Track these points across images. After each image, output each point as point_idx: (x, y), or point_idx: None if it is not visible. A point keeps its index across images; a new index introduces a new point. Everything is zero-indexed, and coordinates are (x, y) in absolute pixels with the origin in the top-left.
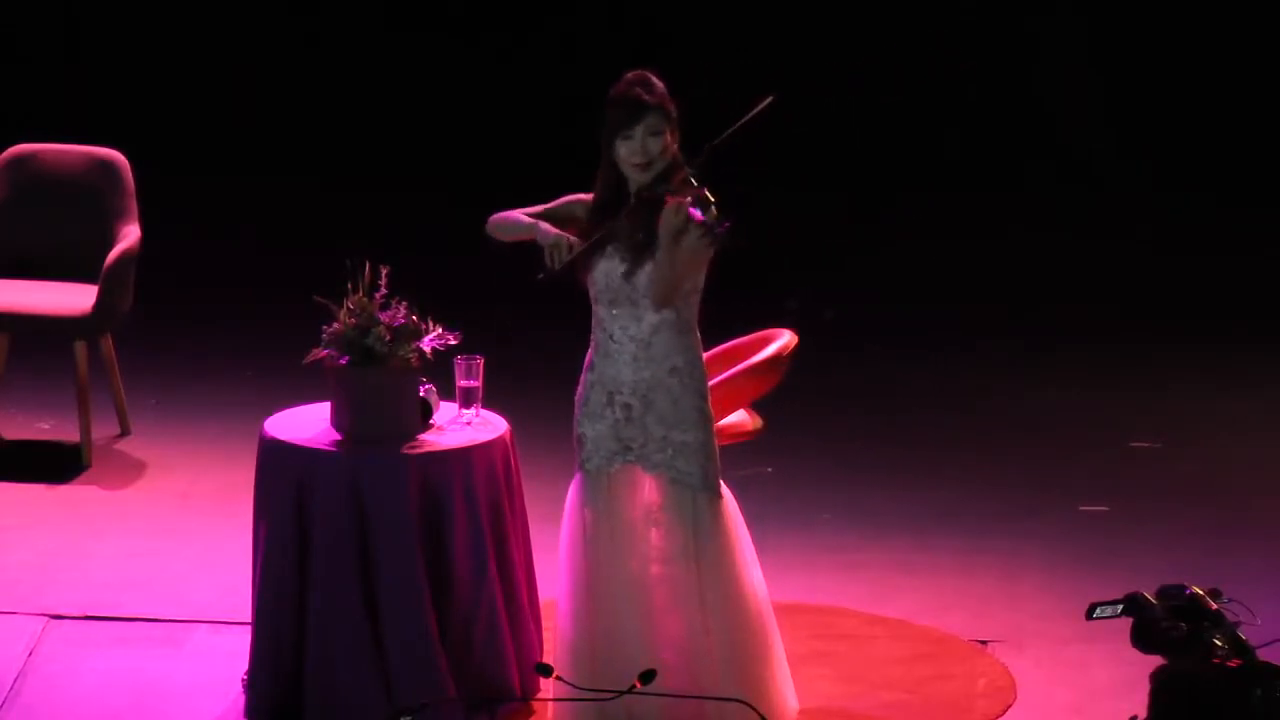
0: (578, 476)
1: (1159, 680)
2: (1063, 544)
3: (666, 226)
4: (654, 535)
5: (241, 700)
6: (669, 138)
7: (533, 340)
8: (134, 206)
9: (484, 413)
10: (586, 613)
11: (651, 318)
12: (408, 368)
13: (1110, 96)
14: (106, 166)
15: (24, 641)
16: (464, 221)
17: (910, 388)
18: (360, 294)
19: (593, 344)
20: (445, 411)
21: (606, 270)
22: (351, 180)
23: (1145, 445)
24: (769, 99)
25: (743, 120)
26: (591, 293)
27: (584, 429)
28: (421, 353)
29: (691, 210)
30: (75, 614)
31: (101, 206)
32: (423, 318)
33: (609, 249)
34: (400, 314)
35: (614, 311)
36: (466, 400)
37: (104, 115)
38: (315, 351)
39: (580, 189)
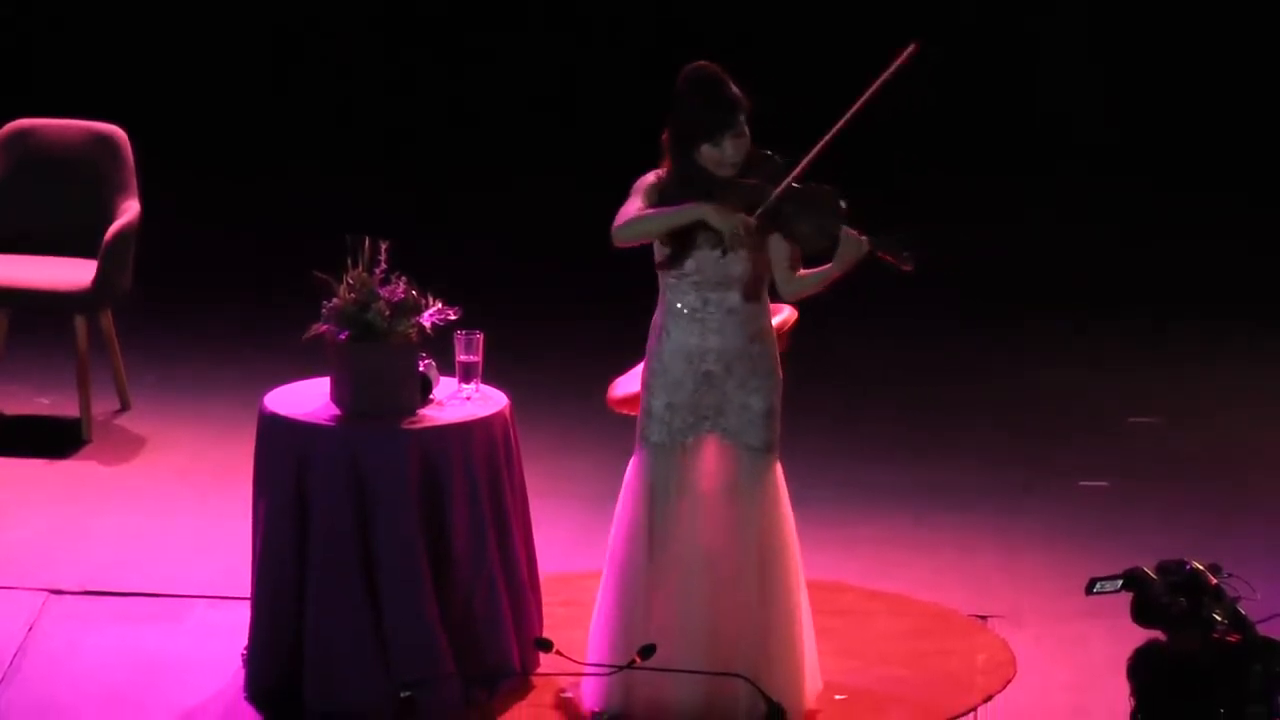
0: (641, 452)
1: (1137, 663)
2: (1062, 519)
3: (847, 256)
4: (725, 505)
5: (241, 675)
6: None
7: (535, 315)
8: (134, 182)
9: (484, 388)
10: (647, 591)
11: (741, 291)
12: (407, 343)
13: (1108, 77)
14: (106, 142)
15: (24, 617)
16: (464, 199)
17: (910, 364)
18: (360, 269)
19: (668, 315)
20: (445, 386)
21: (700, 259)
22: (352, 157)
23: (1144, 421)
24: (911, 48)
25: (888, 72)
26: (672, 273)
27: (656, 400)
28: (421, 328)
29: (871, 245)
30: (75, 589)
31: (101, 182)
32: (422, 293)
33: (699, 238)
34: (400, 289)
35: (705, 292)
36: (466, 375)
37: (104, 90)
38: (315, 327)
39: (577, 166)
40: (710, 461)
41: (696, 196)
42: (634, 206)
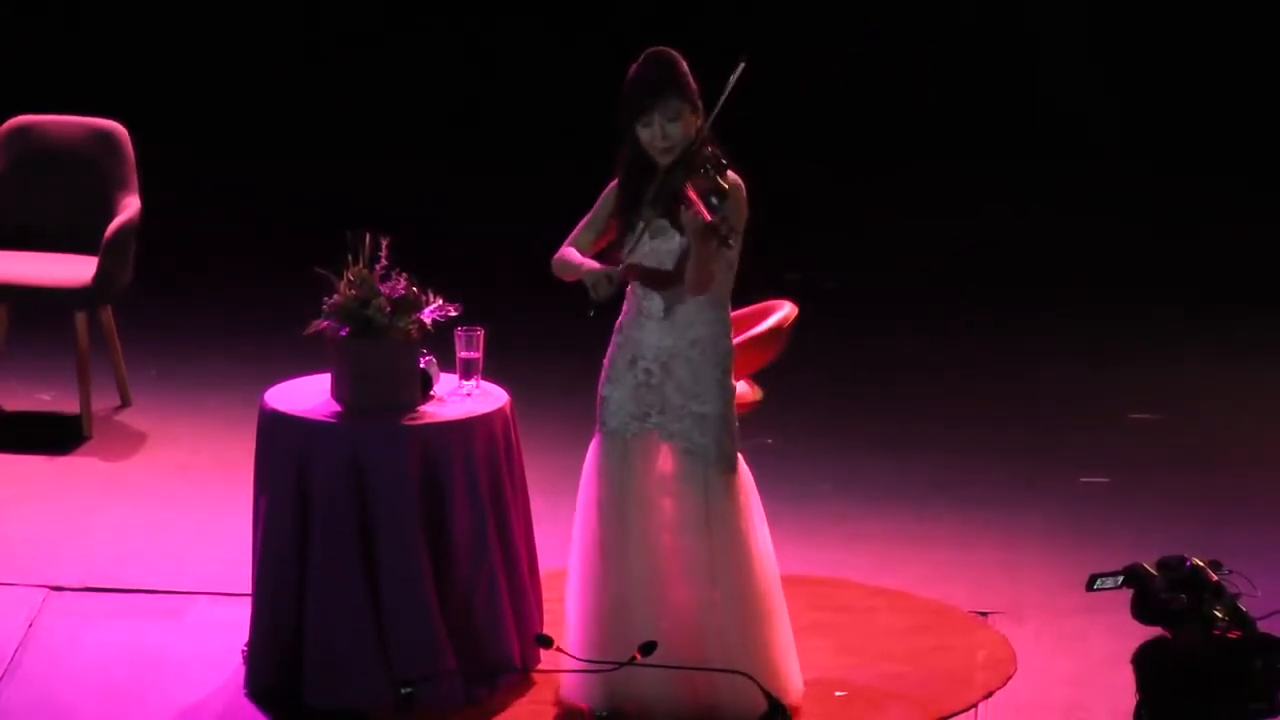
0: (596, 438)
1: (1143, 657)
2: (1063, 516)
3: (690, 235)
4: (666, 504)
5: (242, 672)
6: (690, 117)
7: (534, 313)
8: (134, 178)
9: (484, 384)
10: (598, 578)
11: (679, 290)
12: (408, 339)
13: (1110, 68)
14: (106, 138)
15: (24, 613)
16: (466, 194)
17: (911, 359)
18: (361, 265)
19: (624, 309)
20: (445, 383)
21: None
22: (352, 151)
23: (1145, 417)
24: (740, 67)
25: (725, 94)
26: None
27: (607, 391)
28: (422, 324)
29: (707, 217)
30: (75, 585)
31: (101, 178)
32: (423, 289)
33: (639, 232)
34: (400, 285)
35: (647, 287)
36: (467, 371)
37: (104, 86)
38: (316, 323)
39: (577, 153)
40: (651, 459)
41: (635, 184)
42: (577, 227)
